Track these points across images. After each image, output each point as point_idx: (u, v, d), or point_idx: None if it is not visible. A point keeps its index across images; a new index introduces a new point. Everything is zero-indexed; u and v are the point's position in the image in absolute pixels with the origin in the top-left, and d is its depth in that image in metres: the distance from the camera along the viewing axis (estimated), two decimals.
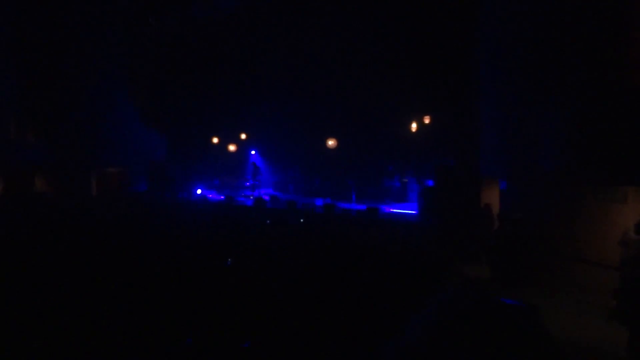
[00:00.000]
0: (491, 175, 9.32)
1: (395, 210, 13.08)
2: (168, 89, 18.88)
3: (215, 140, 19.97)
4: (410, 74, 13.27)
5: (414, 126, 14.68)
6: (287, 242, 6.21)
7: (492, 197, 9.37)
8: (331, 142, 16.25)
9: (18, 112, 15.86)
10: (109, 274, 3.50)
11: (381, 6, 13.48)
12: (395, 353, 0.70)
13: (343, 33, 14.57)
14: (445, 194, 9.85)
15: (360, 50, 14.35)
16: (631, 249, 4.61)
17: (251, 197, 16.81)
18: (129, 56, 18.99)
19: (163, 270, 3.77)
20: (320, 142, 16.45)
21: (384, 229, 9.85)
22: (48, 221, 8.49)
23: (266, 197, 15.60)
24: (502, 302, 0.72)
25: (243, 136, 19.72)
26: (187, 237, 6.91)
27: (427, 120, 14.13)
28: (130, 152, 19.68)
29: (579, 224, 6.87)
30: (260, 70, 17.15)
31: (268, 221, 9.78)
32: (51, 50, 16.72)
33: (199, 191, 19.03)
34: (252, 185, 18.15)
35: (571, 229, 6.96)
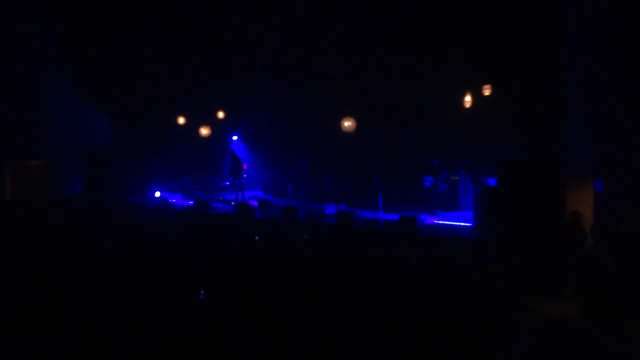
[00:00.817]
0: (581, 172, 9.34)
1: (440, 222, 13.28)
2: (112, 48, 18.19)
3: (180, 120, 20.08)
4: (462, 23, 13.23)
5: (467, 101, 14.73)
6: (285, 270, 6.36)
7: (583, 202, 9.44)
8: (348, 124, 16.34)
9: None
10: (21, 316, 3.74)
11: None
12: None
13: None
14: (513, 198, 9.95)
15: None
16: None
17: (232, 203, 17.34)
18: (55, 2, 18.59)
19: (101, 310, 3.96)
20: (333, 124, 16.51)
21: (424, 249, 9.90)
22: None
23: (254, 203, 15.95)
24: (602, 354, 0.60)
25: (221, 115, 19.84)
26: (138, 260, 7.02)
27: (487, 92, 14.18)
28: (58, 138, 19.67)
29: None
30: (246, 18, 16.87)
31: (257, 238, 9.94)
32: None
33: (157, 194, 19.17)
34: (233, 185, 18.37)
35: None
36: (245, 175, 18.74)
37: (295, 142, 18.38)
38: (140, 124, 19.40)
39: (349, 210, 14.47)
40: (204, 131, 19.59)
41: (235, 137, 20.82)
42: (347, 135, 16.41)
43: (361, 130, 16.31)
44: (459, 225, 12.72)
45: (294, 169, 18.60)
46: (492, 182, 14.23)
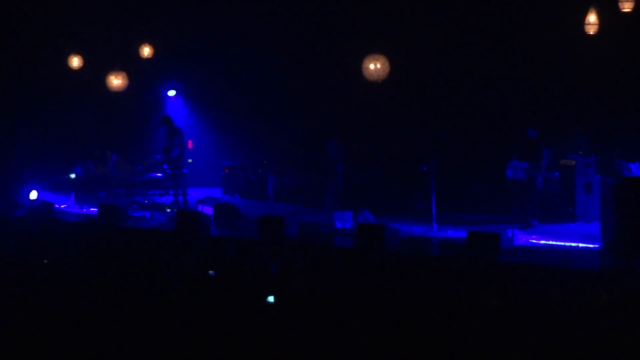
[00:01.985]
0: None
1: (542, 242, 13.26)
2: None
3: (74, 63, 20.02)
4: None
5: (591, 23, 14.57)
6: (264, 343, 7.09)
7: None
8: (376, 68, 16.02)
9: None
10: None
11: None
12: None
13: None
14: None
15: None
16: None
17: (168, 210, 17.39)
18: None
19: None
20: (348, 69, 16.60)
21: (514, 291, 10.01)
22: None
23: (205, 209, 16.35)
24: None
25: (146, 52, 19.78)
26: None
27: (627, 7, 14.08)
28: None
29: None
30: None
31: (211, 273, 10.33)
32: None
33: (33, 194, 19.03)
34: (169, 177, 18.48)
35: None
36: (190, 161, 18.99)
37: (280, 102, 18.95)
38: (9, 70, 19.79)
39: (377, 221, 14.55)
40: (116, 81, 19.39)
41: (172, 93, 21.17)
42: (373, 88, 16.54)
43: (398, 80, 16.44)
44: (577, 247, 12.71)
45: (275, 149, 18.87)
46: (638, 169, 14.08)
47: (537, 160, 14.70)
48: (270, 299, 9.33)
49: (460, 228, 13.73)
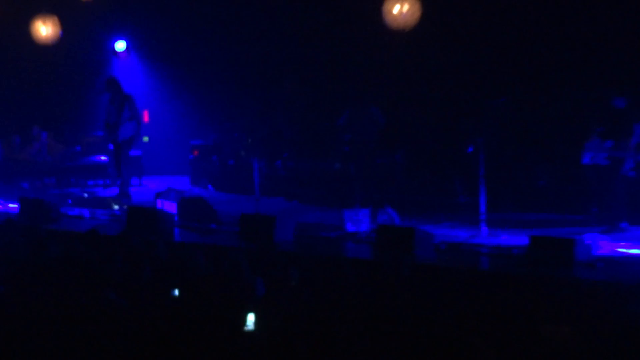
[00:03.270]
0: None
1: (630, 251, 13.22)
2: None
3: None
4: None
5: None
6: None
7: None
8: (399, 11, 16.18)
9: None
10: None
11: None
12: None
13: None
14: None
15: None
16: None
17: (116, 207, 17.48)
18: None
19: None
20: (360, 12, 16.85)
21: (595, 314, 9.75)
22: None
23: (167, 205, 16.46)
24: None
25: None
26: None
27: None
28: None
29: None
30: None
31: (174, 292, 10.47)
32: None
33: None
34: (116, 160, 18.54)
35: None
36: (146, 139, 19.43)
37: (273, 59, 19.36)
38: None
39: (404, 222, 14.98)
40: (45, 30, 19.59)
41: (121, 47, 21.21)
42: (397, 40, 16.77)
43: (432, 27, 16.71)
44: None
45: (266, 123, 19.06)
46: None
47: (624, 139, 14.57)
48: (254, 327, 9.24)
49: (519, 232, 13.77)
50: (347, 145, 18.44)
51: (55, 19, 19.61)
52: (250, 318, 9.09)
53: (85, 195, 18.83)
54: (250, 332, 8.84)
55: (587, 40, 16.38)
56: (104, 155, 20.04)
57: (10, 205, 17.73)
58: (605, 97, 14.99)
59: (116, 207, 17.19)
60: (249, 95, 20.33)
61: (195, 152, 20.46)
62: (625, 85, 15.10)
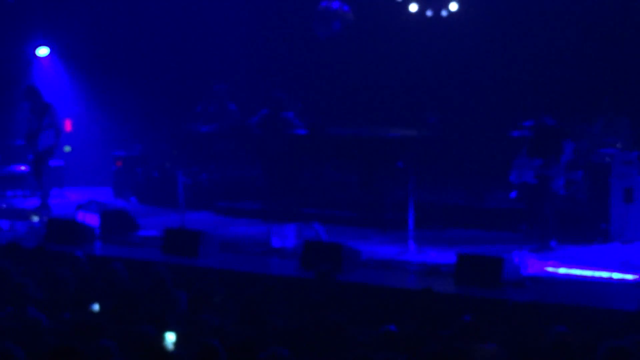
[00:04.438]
0: None
1: (563, 271, 13.41)
2: None
3: None
4: None
5: None
6: None
7: None
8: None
9: None
10: None
11: None
12: None
13: None
14: None
15: None
16: None
17: (35, 219, 17.27)
18: None
19: None
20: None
21: (523, 335, 9.96)
22: None
23: (88, 217, 16.25)
24: None
25: None
26: None
27: None
28: None
29: None
30: None
31: (94, 306, 10.66)
32: None
33: None
34: (36, 170, 18.26)
35: None
36: (67, 149, 19.21)
37: (200, 63, 19.64)
38: None
39: (330, 238, 14.85)
40: None
41: (43, 52, 20.92)
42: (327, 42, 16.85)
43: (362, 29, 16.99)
44: (610, 278, 12.82)
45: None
46: None
47: (554, 157, 14.61)
48: (173, 342, 9.19)
49: (448, 249, 13.83)
50: (261, 151, 18.42)
51: None
52: (171, 337, 9.05)
53: (4, 205, 18.71)
54: (170, 353, 8.78)
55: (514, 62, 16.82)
56: (24, 165, 19.67)
57: None
58: (534, 115, 15.14)
59: (36, 219, 17.04)
60: (174, 105, 20.33)
61: (119, 163, 20.25)
62: (555, 102, 15.39)
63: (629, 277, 12.41)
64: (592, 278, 12.68)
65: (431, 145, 16.37)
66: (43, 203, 17.68)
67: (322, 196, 17.38)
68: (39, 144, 17.46)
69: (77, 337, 9.13)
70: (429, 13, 18.21)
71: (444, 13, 17.90)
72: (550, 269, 13.12)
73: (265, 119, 17.75)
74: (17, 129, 19.52)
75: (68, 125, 19.52)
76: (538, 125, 14.95)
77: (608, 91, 16.11)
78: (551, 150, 14.54)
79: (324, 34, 18.58)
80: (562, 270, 13.06)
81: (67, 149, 18.73)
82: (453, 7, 17.77)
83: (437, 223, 15.81)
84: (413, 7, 18.13)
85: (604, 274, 12.73)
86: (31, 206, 18.32)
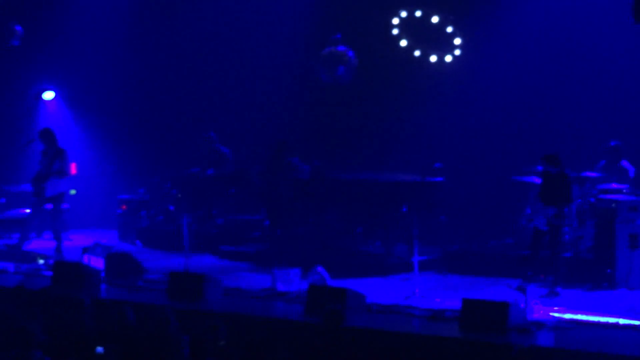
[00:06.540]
0: None
1: (564, 316, 13.31)
2: None
3: None
4: None
5: None
6: None
7: None
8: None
9: None
10: None
11: None
12: None
13: None
14: None
15: None
16: None
17: (41, 261, 17.22)
18: None
19: None
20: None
21: None
22: None
23: (93, 260, 16.16)
24: None
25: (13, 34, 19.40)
26: None
27: None
28: None
29: None
30: None
31: (99, 349, 10.71)
32: None
33: None
34: (36, 211, 18.30)
35: None
36: (73, 192, 18.87)
37: (207, 110, 19.59)
38: None
39: (335, 282, 14.73)
40: None
41: (49, 96, 20.91)
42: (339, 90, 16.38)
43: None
44: (616, 324, 12.64)
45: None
46: None
47: (567, 208, 14.61)
48: None
49: (453, 294, 13.77)
50: (266, 195, 18.26)
51: None
52: None
53: (4, 244, 18.71)
54: None
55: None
56: (28, 208, 19.45)
57: None
58: (537, 160, 15.02)
59: (41, 261, 16.94)
60: (178, 149, 20.31)
61: (124, 207, 20.23)
62: (557, 148, 15.16)
63: (636, 323, 12.30)
64: (598, 323, 12.57)
65: (436, 190, 16.33)
66: (57, 247, 17.66)
67: (327, 240, 17.18)
68: (46, 190, 17.41)
69: None
70: (433, 58, 18.28)
71: (447, 58, 18.00)
72: (556, 314, 13.00)
73: (270, 163, 17.76)
74: (23, 172, 19.54)
75: (73, 169, 19.26)
76: (546, 172, 14.82)
77: (612, 135, 16.00)
78: (563, 198, 14.46)
79: (329, 79, 18.63)
80: (568, 316, 12.94)
81: (73, 192, 18.64)
82: (457, 52, 17.84)
83: (442, 268, 15.72)
84: (417, 53, 18.28)
85: (610, 320, 12.61)
86: (36, 249, 18.23)
